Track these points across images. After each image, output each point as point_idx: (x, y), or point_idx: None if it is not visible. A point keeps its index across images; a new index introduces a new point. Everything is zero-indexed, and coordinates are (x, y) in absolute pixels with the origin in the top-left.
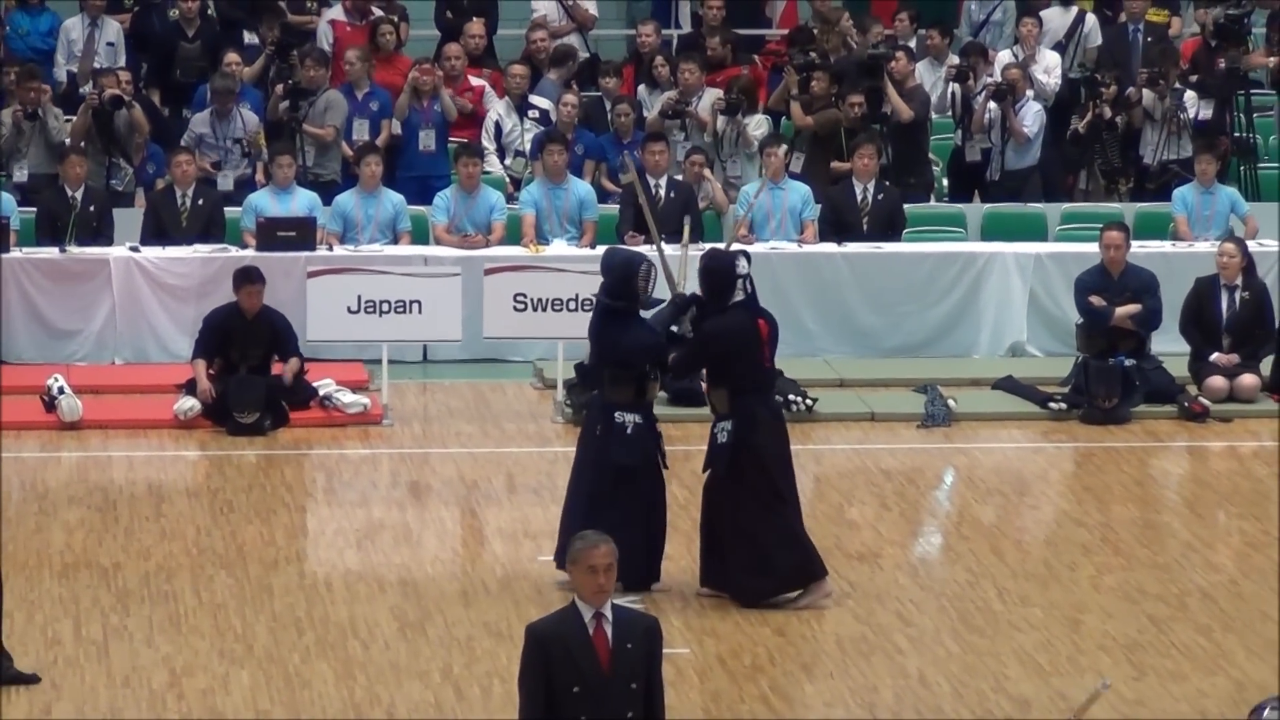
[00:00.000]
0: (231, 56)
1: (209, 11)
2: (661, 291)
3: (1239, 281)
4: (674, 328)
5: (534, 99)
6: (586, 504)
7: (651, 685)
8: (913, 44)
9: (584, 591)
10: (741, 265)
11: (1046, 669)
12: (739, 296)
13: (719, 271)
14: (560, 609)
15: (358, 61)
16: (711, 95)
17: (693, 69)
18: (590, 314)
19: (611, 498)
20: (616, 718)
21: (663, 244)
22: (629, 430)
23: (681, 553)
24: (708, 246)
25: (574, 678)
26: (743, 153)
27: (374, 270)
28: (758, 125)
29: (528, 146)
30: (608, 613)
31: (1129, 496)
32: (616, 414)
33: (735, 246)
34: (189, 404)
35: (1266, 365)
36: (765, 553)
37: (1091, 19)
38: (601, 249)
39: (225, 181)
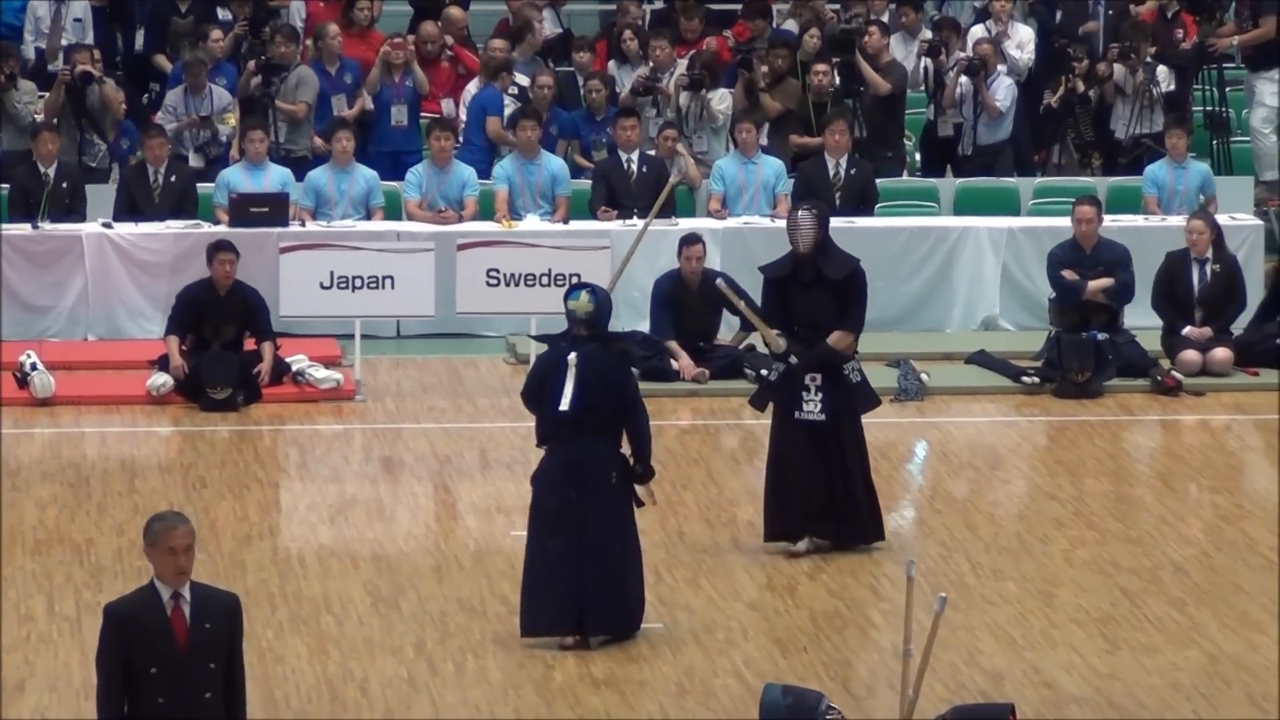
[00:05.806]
0: (215, 32)
1: None
2: None
3: (1209, 255)
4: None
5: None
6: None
7: (232, 664)
8: (885, 19)
9: (164, 573)
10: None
11: (1020, 643)
12: None
13: None
14: (139, 588)
15: (332, 38)
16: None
17: (664, 45)
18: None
19: None
20: (194, 698)
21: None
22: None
23: (654, 528)
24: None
25: (151, 658)
26: (708, 127)
27: (347, 246)
28: (721, 100)
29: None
30: (186, 593)
31: (1102, 470)
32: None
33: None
34: (161, 380)
35: None
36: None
37: None
38: (575, 224)
39: (197, 159)
